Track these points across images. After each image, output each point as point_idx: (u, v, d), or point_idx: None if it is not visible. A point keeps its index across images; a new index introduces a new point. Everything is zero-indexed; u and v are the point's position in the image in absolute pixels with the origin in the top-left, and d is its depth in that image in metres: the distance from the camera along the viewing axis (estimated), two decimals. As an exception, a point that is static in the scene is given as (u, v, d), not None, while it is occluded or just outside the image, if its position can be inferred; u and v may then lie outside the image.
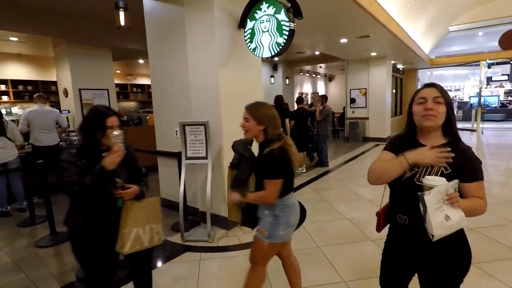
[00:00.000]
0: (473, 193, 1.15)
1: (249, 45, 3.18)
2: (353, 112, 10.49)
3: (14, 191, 4.15)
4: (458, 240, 1.20)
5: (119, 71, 10.28)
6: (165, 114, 3.93)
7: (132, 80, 10.99)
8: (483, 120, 11.96)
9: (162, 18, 3.73)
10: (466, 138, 10.15)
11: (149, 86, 10.35)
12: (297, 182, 5.31)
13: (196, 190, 3.69)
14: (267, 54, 3.05)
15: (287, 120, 5.53)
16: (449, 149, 1.11)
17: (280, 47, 2.94)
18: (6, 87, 6.85)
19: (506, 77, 18.38)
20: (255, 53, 3.15)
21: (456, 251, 1.22)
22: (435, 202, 1.04)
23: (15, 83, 6.98)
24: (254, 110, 1.75)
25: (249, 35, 3.17)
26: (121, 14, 3.19)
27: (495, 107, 17.33)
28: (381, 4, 5.45)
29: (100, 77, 5.96)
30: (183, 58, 3.48)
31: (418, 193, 1.06)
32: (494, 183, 4.86)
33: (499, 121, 15.21)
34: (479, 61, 11.55)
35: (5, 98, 6.84)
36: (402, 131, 1.39)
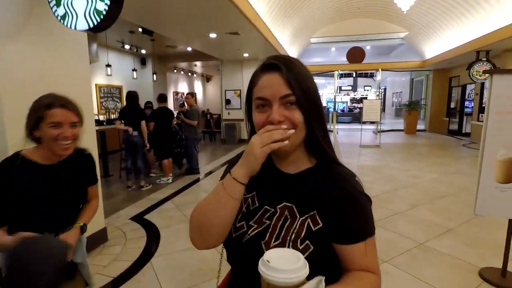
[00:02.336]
0: (358, 262, 0.62)
1: (55, 10, 2.12)
2: (228, 113, 10.26)
3: None
4: None
5: None
6: None
7: None
8: (337, 122, 13.92)
9: None
10: (326, 138, 11.45)
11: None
12: (159, 196, 4.40)
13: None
14: (82, 25, 2.07)
15: (143, 123, 4.52)
16: (284, 126, 0.63)
17: (101, 16, 2.02)
18: None
19: (350, 87, 22.45)
20: (64, 23, 2.11)
21: None
22: None
23: None
24: (77, 107, 1.26)
25: (54, -5, 2.11)
26: None
27: (344, 111, 20.82)
28: (249, 1, 5.17)
29: None
30: None
31: None
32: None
33: (348, 123, 18.20)
34: (333, 71, 13.33)
35: None
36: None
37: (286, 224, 0.64)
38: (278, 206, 0.67)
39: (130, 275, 2.39)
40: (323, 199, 0.63)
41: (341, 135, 12.36)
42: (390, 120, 18.89)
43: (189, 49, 9.34)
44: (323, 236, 0.61)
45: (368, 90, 22.40)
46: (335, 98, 14.10)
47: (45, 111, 1.17)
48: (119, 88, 9.52)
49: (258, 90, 0.66)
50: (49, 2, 2.12)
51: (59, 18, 2.12)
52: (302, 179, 0.68)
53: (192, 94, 5.87)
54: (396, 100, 20.94)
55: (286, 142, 0.60)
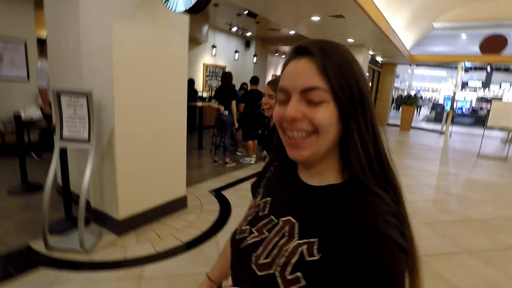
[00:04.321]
0: None
1: (161, -7, 2.32)
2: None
3: None
4: None
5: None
6: (58, 77, 3.00)
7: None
8: (453, 123, 11.81)
9: None
10: (433, 141, 9.89)
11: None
12: (239, 174, 4.60)
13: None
14: (181, 7, 2.21)
15: (233, 103, 4.72)
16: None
17: (196, -2, 2.10)
18: None
19: (480, 84, 18.52)
20: (167, 5, 2.29)
21: None
22: None
23: None
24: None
25: (161, -21, 2.30)
26: None
27: (466, 111, 17.44)
28: (360, -21, 4.67)
29: (14, 24, 4.78)
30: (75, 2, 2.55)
31: None
32: (452, 196, 4.40)
33: (468, 125, 15.27)
34: (457, 62, 11.19)
35: None
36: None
37: (281, 242, 0.51)
38: (282, 219, 0.55)
39: (196, 243, 2.59)
40: (332, 230, 0.47)
41: (455, 140, 10.46)
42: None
43: (292, 32, 9.22)
44: (321, 274, 0.45)
45: (506, 89, 18.16)
46: (454, 95, 11.91)
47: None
48: (223, 68, 10.21)
49: (281, 80, 0.54)
50: (157, -14, 2.33)
51: (163, 1, 2.31)
52: (319, 195, 0.53)
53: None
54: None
55: None
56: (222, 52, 9.54)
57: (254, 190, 0.73)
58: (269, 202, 0.62)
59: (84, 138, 2.33)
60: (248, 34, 10.15)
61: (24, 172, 3.47)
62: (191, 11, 2.21)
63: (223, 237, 2.73)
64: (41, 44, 4.53)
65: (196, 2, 2.13)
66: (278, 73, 13.91)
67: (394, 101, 18.04)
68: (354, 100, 0.49)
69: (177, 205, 3.13)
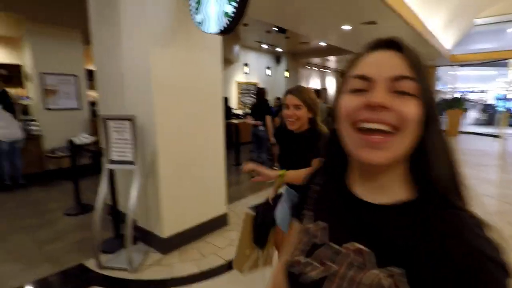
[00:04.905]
0: None
1: (195, 17, 2.42)
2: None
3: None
4: None
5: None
6: (105, 104, 3.23)
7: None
8: (509, 125, 10.77)
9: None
10: (487, 145, 9.04)
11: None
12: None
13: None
14: (214, 28, 2.28)
15: (268, 118, 4.72)
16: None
17: (229, 19, 2.16)
18: (-24, 69, 6.35)
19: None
20: (201, 28, 2.38)
21: None
22: None
23: (-15, 65, 6.47)
24: (303, 94, 1.49)
25: (196, 3, 2.41)
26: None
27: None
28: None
29: (67, 62, 5.32)
30: (118, 32, 2.75)
31: None
32: (518, 206, 3.92)
33: (527, 127, 13.80)
34: (507, 59, 10.31)
35: (-25, 80, 6.34)
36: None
37: (355, 275, 0.44)
38: (348, 246, 0.47)
39: (239, 262, 2.54)
40: (421, 256, 0.40)
41: (513, 143, 9.48)
42: None
43: (323, 44, 9.18)
44: None
45: None
46: (507, 95, 10.92)
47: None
48: (255, 85, 10.39)
49: (357, 69, 0.49)
50: (190, 11, 2.44)
51: (197, 23, 2.41)
52: (391, 215, 0.46)
53: (319, 90, 5.73)
54: None
55: None
56: (253, 69, 9.74)
57: (297, 212, 0.65)
58: (325, 227, 0.54)
59: (130, 160, 2.44)
60: (278, 49, 10.29)
61: (78, 194, 3.72)
62: (223, 32, 2.28)
63: (266, 254, 2.65)
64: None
65: (228, 23, 2.19)
66: (311, 85, 13.82)
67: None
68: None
69: (218, 223, 3.14)
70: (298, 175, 1.37)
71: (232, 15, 2.14)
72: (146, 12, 2.36)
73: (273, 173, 1.42)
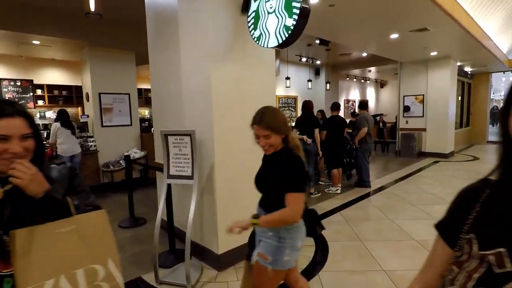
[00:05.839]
0: None
1: (253, 33, 2.43)
2: (406, 122, 9.04)
3: None
4: None
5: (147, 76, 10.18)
6: (161, 121, 3.34)
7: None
8: None
9: (159, 12, 3.16)
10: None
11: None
12: (326, 206, 4.35)
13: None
14: (273, 42, 2.27)
15: (316, 131, 4.60)
16: None
17: (289, 32, 2.13)
18: (42, 92, 7.00)
19: None
20: (259, 43, 2.38)
21: None
22: None
23: (50, 88, 7.12)
24: (269, 121, 1.49)
25: (253, 20, 2.42)
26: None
27: None
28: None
29: (121, 81, 5.68)
30: (177, 53, 2.85)
31: None
32: None
33: None
34: None
35: (40, 102, 6.99)
36: (487, 176, 0.59)
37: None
38: None
39: (298, 283, 2.41)
40: None
41: None
42: None
43: (364, 54, 8.94)
44: None
45: None
46: None
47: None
48: (295, 98, 10.34)
49: None
50: (248, 27, 2.46)
51: (255, 39, 2.42)
52: None
53: (365, 102, 5.55)
54: None
55: None
56: (293, 82, 9.71)
57: (452, 236, 0.57)
58: (504, 253, 0.46)
59: (188, 175, 2.47)
60: (318, 62, 10.19)
61: (132, 206, 3.85)
62: (282, 45, 2.25)
63: (327, 276, 2.50)
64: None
65: (288, 36, 2.17)
66: (350, 97, 13.46)
67: (491, 115, 15.64)
68: None
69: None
70: (271, 219, 1.46)
71: (292, 28, 2.11)
72: (207, 31, 2.41)
73: (247, 222, 1.47)
